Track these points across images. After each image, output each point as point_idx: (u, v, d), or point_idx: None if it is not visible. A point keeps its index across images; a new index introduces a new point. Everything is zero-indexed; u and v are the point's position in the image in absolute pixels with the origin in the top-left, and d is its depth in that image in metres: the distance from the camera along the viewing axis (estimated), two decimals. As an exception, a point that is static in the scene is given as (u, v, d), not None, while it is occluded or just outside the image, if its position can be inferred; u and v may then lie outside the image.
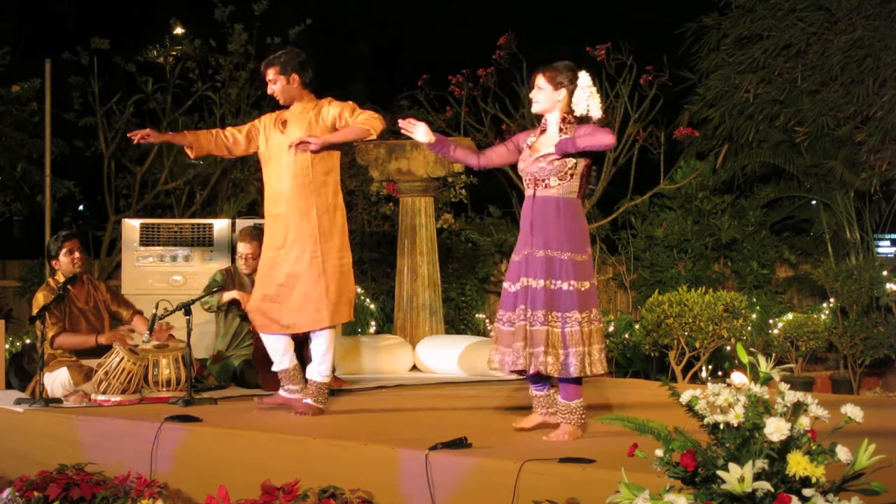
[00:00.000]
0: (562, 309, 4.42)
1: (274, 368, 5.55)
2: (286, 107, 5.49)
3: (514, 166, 4.91)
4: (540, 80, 4.57)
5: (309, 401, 5.33)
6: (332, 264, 5.31)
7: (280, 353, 5.48)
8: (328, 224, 5.32)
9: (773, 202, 11.44)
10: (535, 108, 4.63)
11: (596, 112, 4.56)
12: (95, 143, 11.19)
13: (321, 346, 5.36)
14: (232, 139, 5.53)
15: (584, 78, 4.56)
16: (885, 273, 9.77)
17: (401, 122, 4.78)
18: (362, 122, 5.23)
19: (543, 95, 4.56)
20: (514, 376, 4.67)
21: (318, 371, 5.36)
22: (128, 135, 5.55)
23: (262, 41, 10.84)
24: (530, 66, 9.68)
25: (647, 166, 10.36)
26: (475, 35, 11.40)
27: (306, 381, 5.45)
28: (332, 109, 5.34)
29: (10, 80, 11.15)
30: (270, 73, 5.41)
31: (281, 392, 5.52)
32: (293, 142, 5.22)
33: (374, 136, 5.26)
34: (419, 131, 4.69)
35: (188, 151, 5.57)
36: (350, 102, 5.40)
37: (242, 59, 10.99)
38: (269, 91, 5.46)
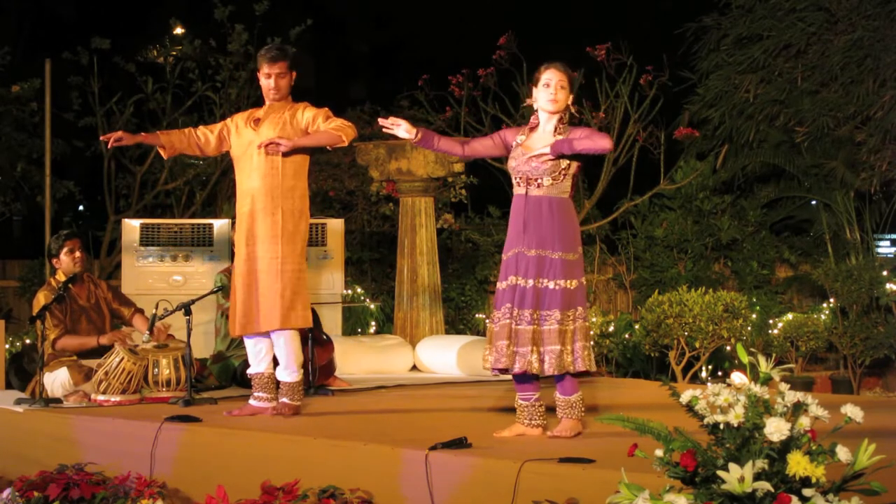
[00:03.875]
0: (544, 307, 4.44)
1: (249, 371, 5.51)
2: (257, 105, 5.49)
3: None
4: (565, 81, 4.56)
5: (285, 399, 5.31)
6: (290, 268, 5.28)
7: (258, 357, 5.44)
8: (292, 228, 5.29)
9: (773, 202, 11.45)
10: (556, 108, 4.56)
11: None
12: (95, 143, 11.19)
13: (282, 348, 5.33)
14: (203, 139, 5.50)
15: None
16: (885, 273, 9.77)
17: (381, 121, 4.77)
18: (334, 128, 5.19)
19: (564, 95, 4.56)
20: (504, 375, 4.66)
21: (286, 372, 5.34)
22: (101, 138, 5.52)
23: (262, 41, 10.85)
24: (530, 66, 9.69)
25: (647, 166, 10.36)
26: (475, 35, 11.40)
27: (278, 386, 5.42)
28: (306, 113, 5.32)
29: (10, 80, 11.16)
30: (279, 67, 5.35)
31: (250, 401, 5.44)
32: (263, 142, 5.19)
33: (345, 144, 5.24)
34: (401, 130, 4.69)
35: (161, 152, 5.54)
36: (325, 108, 5.35)
37: (242, 59, 10.99)
38: (272, 84, 5.35)
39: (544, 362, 4.41)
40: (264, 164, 5.28)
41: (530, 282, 4.44)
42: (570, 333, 4.44)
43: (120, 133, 5.44)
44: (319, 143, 5.29)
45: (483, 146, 4.79)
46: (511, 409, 4.84)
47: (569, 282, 4.46)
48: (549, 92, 4.54)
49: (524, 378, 4.53)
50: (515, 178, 4.58)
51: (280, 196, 5.27)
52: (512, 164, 4.59)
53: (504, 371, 4.51)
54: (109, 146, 5.39)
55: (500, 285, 4.55)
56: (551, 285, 4.44)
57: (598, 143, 4.44)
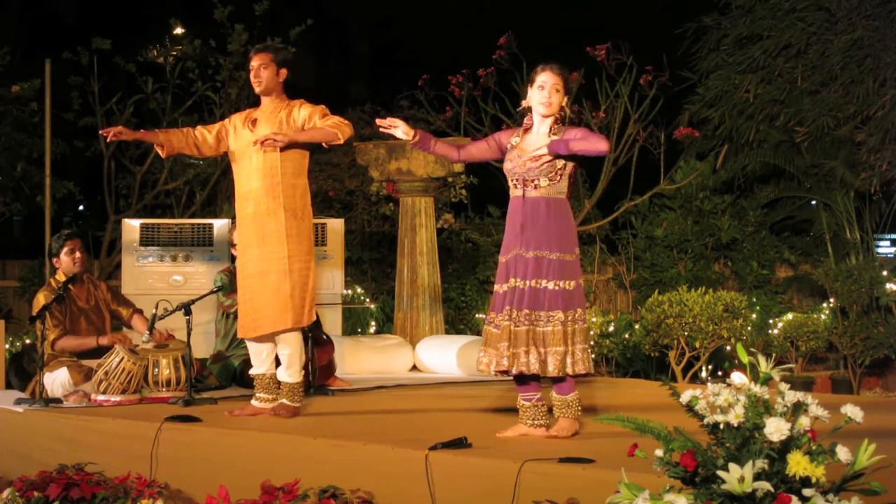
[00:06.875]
0: (545, 308, 4.43)
1: (252, 372, 5.50)
2: (256, 106, 5.48)
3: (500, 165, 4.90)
4: (558, 83, 4.52)
5: (284, 401, 5.30)
6: (298, 267, 5.26)
7: (259, 359, 5.42)
8: (295, 226, 5.27)
9: (773, 202, 11.45)
10: (548, 111, 4.52)
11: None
12: (95, 143, 11.19)
13: (286, 350, 5.31)
14: (201, 138, 5.48)
15: None
16: (885, 273, 9.77)
17: (378, 122, 4.76)
18: (331, 125, 5.18)
19: (558, 99, 4.52)
20: (505, 376, 4.66)
21: (288, 374, 5.32)
22: (100, 132, 5.48)
23: (262, 41, 10.84)
24: (530, 66, 9.68)
25: (647, 166, 10.36)
26: (475, 35, 11.40)
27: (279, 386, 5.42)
28: (302, 111, 5.31)
29: (10, 80, 11.15)
30: (261, 59, 5.38)
31: (252, 402, 5.43)
32: (259, 139, 5.15)
33: (340, 141, 5.21)
34: (398, 131, 4.69)
35: (159, 150, 5.50)
36: (322, 105, 5.34)
37: (242, 59, 10.98)
38: (253, 77, 5.41)
39: (547, 364, 4.40)
40: (263, 165, 5.27)
41: (528, 282, 4.43)
42: (571, 335, 4.44)
43: (120, 128, 5.38)
44: (315, 139, 5.27)
45: (479, 150, 4.78)
46: (511, 409, 4.84)
47: (567, 283, 4.45)
48: (542, 95, 4.51)
49: (525, 379, 4.53)
50: (512, 180, 4.56)
51: (282, 195, 5.25)
52: (508, 167, 4.58)
53: (505, 373, 4.50)
54: (109, 139, 5.34)
55: (500, 288, 4.54)
56: (550, 286, 4.43)
57: (594, 144, 4.40)
